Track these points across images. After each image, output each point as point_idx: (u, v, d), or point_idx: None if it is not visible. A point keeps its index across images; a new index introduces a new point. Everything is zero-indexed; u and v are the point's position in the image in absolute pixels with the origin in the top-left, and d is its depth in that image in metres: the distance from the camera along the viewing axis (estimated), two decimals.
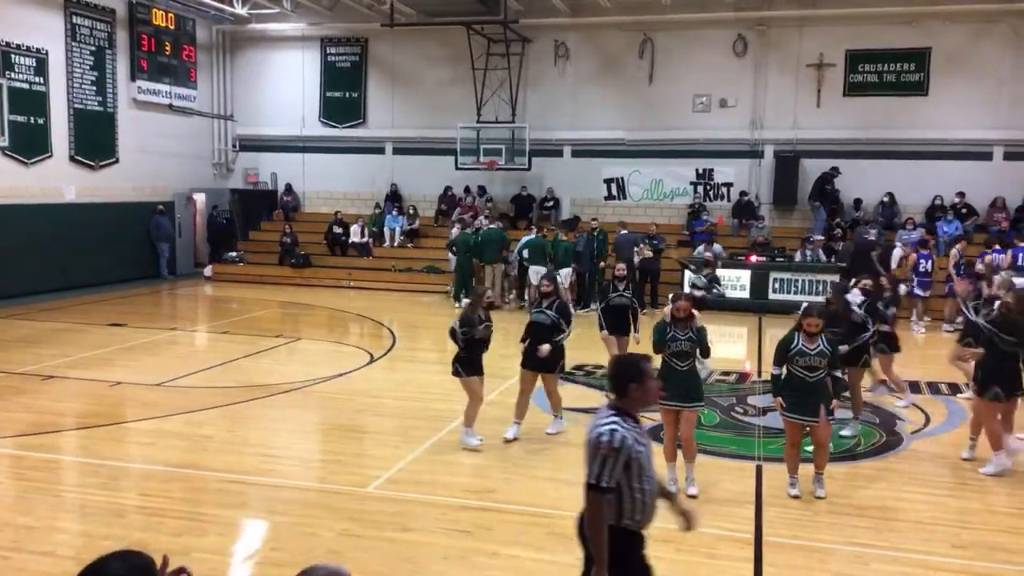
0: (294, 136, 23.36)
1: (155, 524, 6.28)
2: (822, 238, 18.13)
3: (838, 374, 6.96)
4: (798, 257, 17.63)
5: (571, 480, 7.34)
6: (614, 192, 21.60)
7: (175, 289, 20.03)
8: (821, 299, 11.46)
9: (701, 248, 18.06)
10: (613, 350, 9.93)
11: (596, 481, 3.81)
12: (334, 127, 23.18)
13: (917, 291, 15.52)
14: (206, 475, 7.34)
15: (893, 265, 16.47)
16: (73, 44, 18.75)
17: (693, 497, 6.93)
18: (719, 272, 17.18)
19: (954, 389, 10.71)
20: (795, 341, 6.87)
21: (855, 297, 9.31)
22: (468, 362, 8.07)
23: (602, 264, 17.17)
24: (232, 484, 7.15)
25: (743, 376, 11.50)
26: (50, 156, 18.37)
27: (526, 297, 17.27)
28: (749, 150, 20.54)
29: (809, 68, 19.89)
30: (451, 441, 8.43)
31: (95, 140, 19.49)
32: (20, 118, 17.55)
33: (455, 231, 18.87)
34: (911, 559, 5.98)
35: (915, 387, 10.57)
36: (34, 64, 17.81)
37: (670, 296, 7.55)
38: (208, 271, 21.56)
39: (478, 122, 20.94)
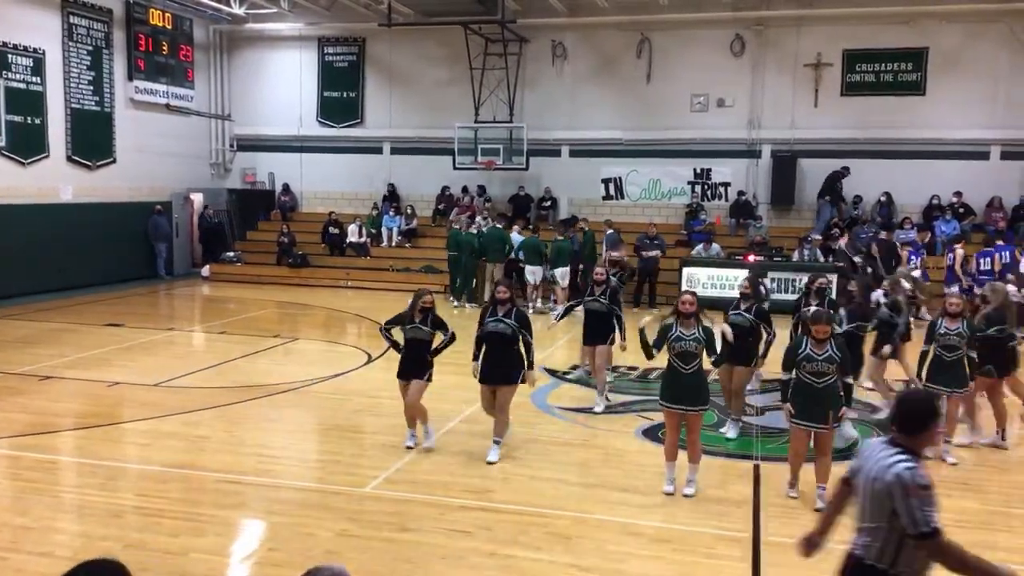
0: (291, 136, 23.35)
1: (153, 524, 6.27)
2: (819, 237, 18.15)
3: (849, 380, 6.85)
4: (796, 256, 17.63)
5: (568, 481, 7.36)
6: (612, 192, 21.61)
7: (172, 289, 20.01)
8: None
9: (700, 248, 18.07)
10: (586, 360, 9.70)
11: (931, 526, 3.33)
12: (332, 127, 23.17)
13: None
14: (204, 475, 7.33)
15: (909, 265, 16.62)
16: (70, 44, 18.73)
17: (688, 497, 6.93)
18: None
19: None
20: (803, 346, 6.71)
21: (878, 295, 9.39)
22: (401, 363, 7.94)
23: (581, 266, 17.12)
24: (230, 484, 7.14)
25: None
26: (47, 156, 18.35)
27: (529, 298, 17.27)
28: (747, 150, 20.55)
29: (807, 68, 19.91)
30: (449, 441, 8.42)
31: (92, 140, 19.47)
32: (17, 118, 17.53)
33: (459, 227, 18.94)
34: None
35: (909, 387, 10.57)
36: (31, 64, 17.79)
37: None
38: (206, 271, 21.54)
39: (476, 122, 20.94)
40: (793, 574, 5.74)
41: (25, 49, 17.64)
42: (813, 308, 8.56)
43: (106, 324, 14.66)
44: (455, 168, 21.14)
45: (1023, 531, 6.52)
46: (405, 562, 5.76)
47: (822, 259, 17.51)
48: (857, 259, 16.31)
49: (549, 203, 21.40)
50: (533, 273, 17.05)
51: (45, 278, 17.91)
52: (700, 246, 18.10)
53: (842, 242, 17.18)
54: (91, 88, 19.38)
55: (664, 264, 17.92)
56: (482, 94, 21.02)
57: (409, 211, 21.89)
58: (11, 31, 17.32)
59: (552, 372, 11.41)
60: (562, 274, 16.68)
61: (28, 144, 17.85)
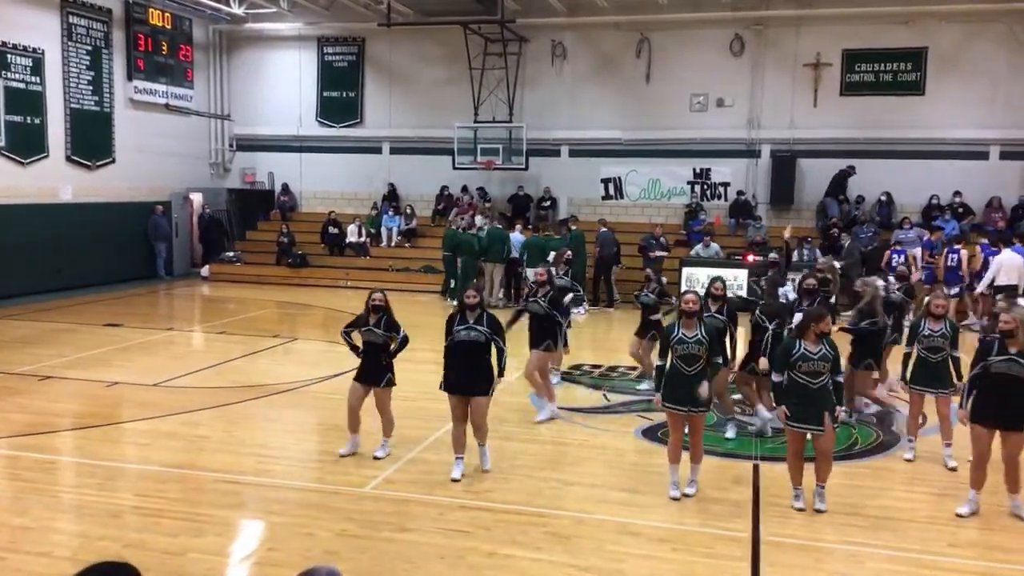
0: (291, 136, 23.35)
1: (152, 524, 6.27)
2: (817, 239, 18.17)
3: (840, 379, 6.77)
4: (795, 256, 17.62)
5: (568, 480, 7.36)
6: (611, 192, 21.60)
7: (172, 289, 20.00)
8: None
9: (699, 247, 18.08)
10: (530, 366, 9.20)
11: None
12: (331, 127, 23.17)
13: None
14: (203, 475, 7.33)
15: (919, 266, 16.67)
16: (69, 44, 18.73)
17: (689, 496, 6.93)
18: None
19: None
20: (796, 346, 6.62)
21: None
22: (359, 367, 7.73)
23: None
24: (229, 484, 7.14)
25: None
26: (47, 156, 18.34)
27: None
28: (746, 149, 20.56)
29: (806, 68, 19.91)
30: (447, 442, 8.41)
31: (92, 140, 19.46)
32: (16, 118, 17.53)
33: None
34: (908, 558, 5.98)
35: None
36: (30, 64, 17.78)
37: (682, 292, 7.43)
38: (205, 271, 21.53)
39: (475, 122, 20.94)
40: (792, 574, 5.75)
41: (24, 49, 17.64)
42: (805, 308, 8.58)
43: (105, 324, 14.66)
44: (455, 168, 21.14)
45: (1021, 531, 6.52)
46: (404, 562, 5.76)
47: (821, 258, 17.49)
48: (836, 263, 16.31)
49: (549, 203, 21.39)
50: (533, 273, 17.02)
51: (44, 278, 17.91)
52: (699, 246, 18.11)
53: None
54: (90, 88, 19.37)
55: (664, 264, 17.89)
56: (481, 94, 21.02)
57: (408, 211, 21.89)
58: (10, 31, 17.32)
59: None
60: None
61: (28, 144, 17.84)
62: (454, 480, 7.22)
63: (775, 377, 6.82)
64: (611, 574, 5.67)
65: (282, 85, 23.31)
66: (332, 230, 21.46)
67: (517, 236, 18.29)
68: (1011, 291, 14.66)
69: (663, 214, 21.10)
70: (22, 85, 17.63)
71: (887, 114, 19.44)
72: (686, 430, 7.01)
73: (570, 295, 11.29)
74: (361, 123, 23.00)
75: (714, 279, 8.89)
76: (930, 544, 6.22)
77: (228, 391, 10.20)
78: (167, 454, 7.85)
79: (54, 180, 18.54)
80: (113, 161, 20.12)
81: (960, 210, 18.69)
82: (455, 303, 17.20)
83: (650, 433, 8.77)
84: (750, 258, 17.58)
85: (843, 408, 6.94)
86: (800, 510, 6.73)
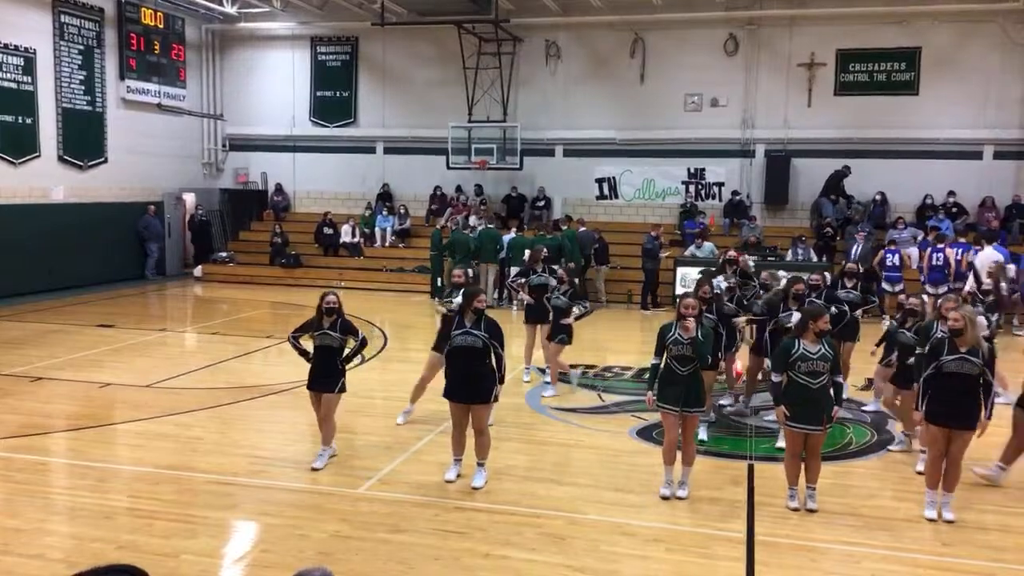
0: (284, 135, 23.30)
1: (145, 526, 6.24)
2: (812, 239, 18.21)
3: (839, 379, 6.72)
4: (789, 256, 17.65)
5: (562, 481, 7.35)
6: (606, 192, 21.61)
7: (164, 290, 19.94)
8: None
9: (693, 247, 18.09)
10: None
11: None
12: (325, 126, 23.13)
13: (884, 286, 15.80)
14: (196, 477, 7.30)
15: (913, 266, 16.74)
16: (61, 43, 18.65)
17: (681, 499, 6.92)
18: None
19: None
20: (796, 346, 6.59)
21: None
22: (310, 373, 7.55)
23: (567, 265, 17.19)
24: (222, 486, 7.11)
25: (735, 375, 11.50)
26: (38, 156, 18.26)
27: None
28: (740, 149, 20.58)
29: (800, 67, 19.94)
30: (443, 442, 8.39)
31: (84, 140, 19.38)
32: (8, 118, 17.44)
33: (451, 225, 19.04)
34: (902, 557, 5.99)
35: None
36: (22, 63, 17.70)
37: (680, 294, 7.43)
38: (198, 271, 21.47)
39: (469, 122, 20.93)
40: (786, 574, 5.75)
41: (16, 48, 17.55)
42: (794, 312, 8.57)
43: (98, 325, 14.60)
44: (449, 168, 21.12)
45: (1015, 530, 6.53)
46: (399, 563, 5.74)
47: (815, 259, 17.55)
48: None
49: (543, 203, 21.39)
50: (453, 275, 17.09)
51: (36, 279, 17.83)
52: (692, 245, 18.13)
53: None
54: (82, 88, 19.30)
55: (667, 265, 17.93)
56: (476, 94, 21.00)
57: (402, 211, 21.86)
58: (1, 30, 17.22)
59: (542, 370, 11.37)
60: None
61: (19, 144, 17.76)
62: (448, 481, 7.18)
63: (775, 377, 6.80)
64: (606, 574, 5.66)
65: (275, 85, 23.25)
66: (326, 230, 21.43)
67: (506, 236, 18.36)
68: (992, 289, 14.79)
69: (658, 214, 21.11)
70: (13, 85, 17.55)
71: (881, 114, 19.48)
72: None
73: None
74: (355, 123, 22.96)
75: (700, 282, 8.86)
76: (925, 544, 6.23)
77: (221, 392, 10.16)
78: (160, 455, 7.82)
79: (46, 180, 18.46)
80: (105, 161, 20.04)
81: (954, 210, 18.74)
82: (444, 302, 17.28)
83: (644, 433, 8.76)
84: (741, 257, 17.59)
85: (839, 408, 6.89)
86: (795, 510, 6.73)
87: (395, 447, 8.16)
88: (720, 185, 20.82)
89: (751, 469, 7.74)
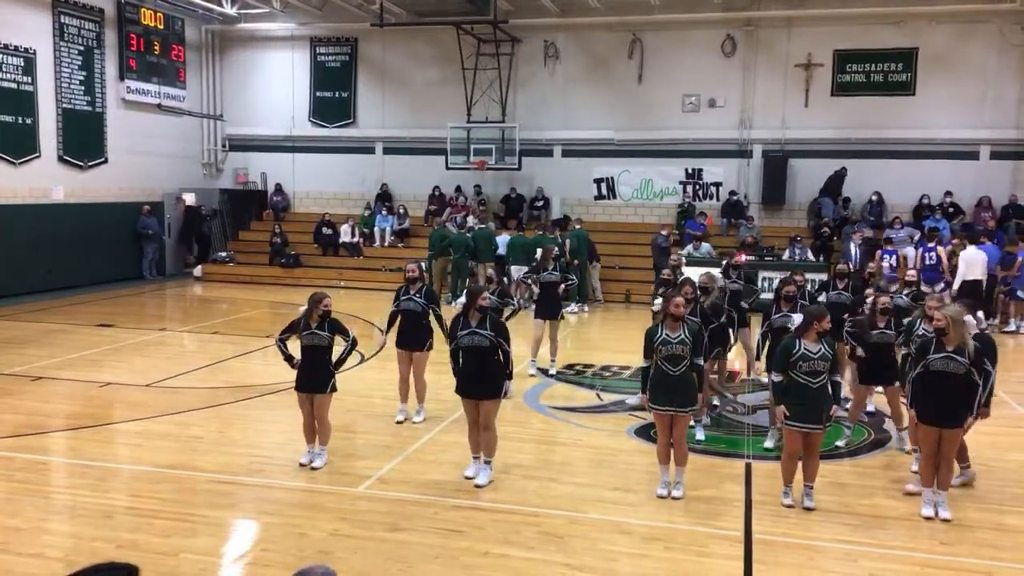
0: (284, 136, 23.32)
1: (144, 525, 6.27)
2: (810, 238, 18.24)
3: (837, 378, 6.76)
4: (787, 256, 17.69)
5: (561, 479, 7.38)
6: (604, 192, 21.64)
7: (164, 290, 19.95)
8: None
9: (690, 247, 18.12)
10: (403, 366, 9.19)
11: None
12: (324, 127, 23.15)
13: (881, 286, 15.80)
14: (196, 476, 7.33)
15: (909, 265, 16.77)
16: (61, 44, 18.66)
17: (677, 499, 6.95)
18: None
19: None
20: (796, 346, 6.63)
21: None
22: (299, 374, 7.48)
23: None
24: (222, 485, 7.14)
25: (732, 375, 11.54)
26: (38, 156, 18.27)
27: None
28: (738, 150, 20.62)
29: (797, 68, 19.98)
30: (442, 441, 8.44)
31: (84, 140, 19.40)
32: (8, 118, 17.46)
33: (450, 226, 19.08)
34: (899, 556, 6.02)
35: None
36: (22, 64, 17.71)
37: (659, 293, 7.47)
38: (198, 271, 21.49)
39: (468, 122, 20.96)
40: (784, 573, 5.78)
41: (16, 49, 17.56)
42: (785, 314, 8.61)
43: (97, 324, 14.62)
44: (448, 168, 21.15)
45: (1012, 529, 6.57)
46: (398, 562, 5.77)
47: (812, 259, 17.59)
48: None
49: (542, 203, 21.42)
50: (519, 271, 17.17)
51: (36, 278, 17.85)
52: (690, 245, 18.16)
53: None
54: (82, 88, 19.31)
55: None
56: (474, 94, 21.02)
57: (402, 211, 21.88)
58: (1, 31, 17.23)
59: (543, 371, 11.42)
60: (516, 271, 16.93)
61: (19, 144, 17.77)
62: (467, 478, 7.23)
63: (775, 377, 6.84)
64: (604, 573, 5.69)
65: (275, 85, 23.28)
66: (325, 230, 21.45)
67: (502, 236, 18.45)
68: (977, 286, 14.86)
69: (656, 214, 21.15)
70: (14, 85, 17.56)
71: (878, 114, 19.53)
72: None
73: (561, 286, 11.63)
74: (354, 123, 22.98)
75: (683, 282, 8.89)
76: (921, 542, 6.26)
77: (221, 391, 10.19)
78: (160, 455, 7.84)
79: (46, 180, 18.47)
80: (105, 161, 20.06)
81: (950, 210, 18.78)
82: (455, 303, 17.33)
83: (643, 432, 8.79)
84: (742, 258, 17.62)
85: (837, 407, 6.92)
86: (789, 507, 6.77)
87: (394, 446, 8.19)
88: (718, 185, 20.86)
89: (748, 468, 7.77)
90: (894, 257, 16.33)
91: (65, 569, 5.52)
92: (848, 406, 8.62)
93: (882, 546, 6.16)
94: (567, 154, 21.73)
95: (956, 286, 15.27)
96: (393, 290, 9.09)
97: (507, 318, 9.59)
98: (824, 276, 16.38)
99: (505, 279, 17.27)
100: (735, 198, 20.30)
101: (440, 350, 9.46)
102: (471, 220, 19.58)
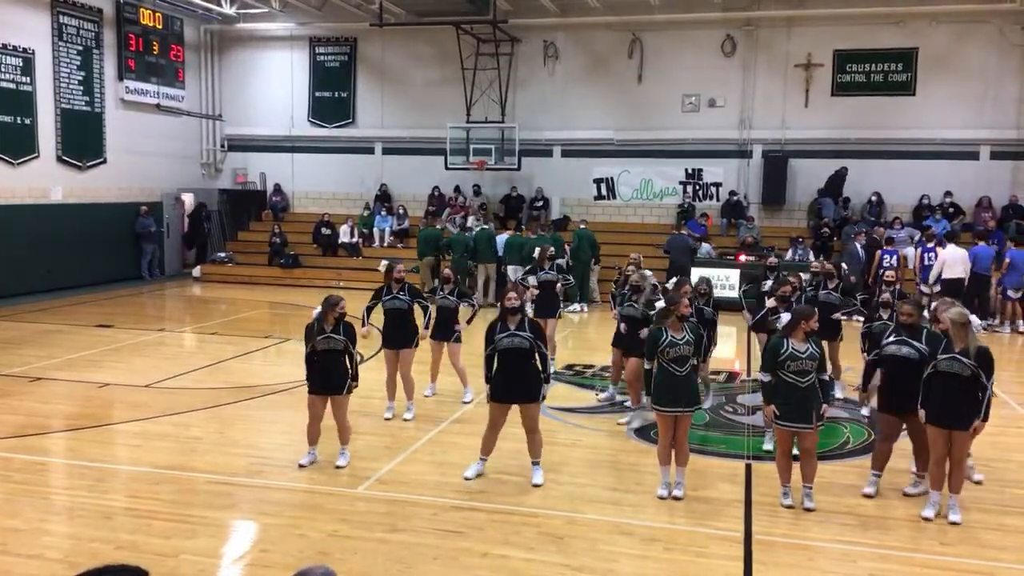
0: (283, 136, 23.31)
1: (144, 526, 6.25)
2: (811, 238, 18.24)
3: (825, 377, 6.80)
4: (789, 256, 17.68)
5: (561, 481, 7.37)
6: (604, 192, 21.64)
7: (163, 290, 19.94)
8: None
9: (708, 247, 18.13)
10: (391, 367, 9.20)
11: None
12: (323, 127, 23.14)
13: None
14: (195, 477, 7.32)
15: (910, 265, 16.82)
16: (60, 44, 18.65)
17: (678, 499, 6.94)
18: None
19: None
20: (784, 346, 6.67)
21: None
22: (316, 377, 7.44)
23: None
24: (221, 486, 7.13)
25: (732, 375, 11.55)
26: (37, 156, 18.27)
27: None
28: (738, 150, 20.62)
29: (797, 68, 19.98)
30: (441, 441, 8.44)
31: (82, 140, 19.39)
32: (6, 118, 17.45)
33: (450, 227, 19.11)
34: (899, 556, 6.01)
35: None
36: (20, 64, 17.70)
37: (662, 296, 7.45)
38: (196, 271, 21.48)
39: (468, 122, 20.95)
40: (784, 574, 5.77)
41: (15, 49, 17.55)
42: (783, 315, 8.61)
43: (96, 325, 14.61)
44: (447, 168, 21.14)
45: (1013, 529, 6.56)
46: (397, 562, 5.76)
47: (813, 259, 17.55)
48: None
49: (541, 203, 21.41)
50: (515, 271, 17.17)
51: (35, 279, 17.84)
52: (707, 245, 18.15)
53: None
54: (81, 88, 19.30)
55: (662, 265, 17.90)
56: (474, 94, 21.02)
57: (401, 211, 21.87)
58: (0, 31, 17.23)
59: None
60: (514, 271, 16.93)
61: (18, 144, 17.76)
62: (466, 479, 7.25)
63: (764, 377, 6.86)
64: (604, 574, 5.68)
65: (274, 85, 23.27)
66: (324, 231, 21.44)
67: (501, 236, 18.46)
68: (957, 284, 14.95)
69: (655, 214, 21.16)
70: (12, 85, 17.55)
71: (878, 114, 19.53)
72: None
73: (558, 285, 11.63)
74: (353, 123, 22.97)
75: (679, 283, 8.96)
76: (921, 543, 6.25)
77: (220, 392, 10.18)
78: (159, 455, 7.83)
79: (44, 180, 18.47)
80: (104, 161, 20.05)
81: (951, 210, 18.78)
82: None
83: (642, 433, 8.78)
84: (742, 258, 17.65)
85: (827, 405, 6.93)
86: (789, 507, 6.77)
87: (394, 447, 8.18)
88: (718, 185, 20.85)
89: (748, 468, 7.76)
90: (895, 257, 16.32)
91: (65, 570, 5.52)
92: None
93: (882, 547, 6.15)
94: (567, 154, 21.72)
95: (931, 282, 15.36)
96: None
97: (469, 320, 9.53)
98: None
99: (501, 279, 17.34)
100: (735, 198, 20.30)
101: (425, 348, 9.57)
102: (471, 220, 19.56)
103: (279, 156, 23.54)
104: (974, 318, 6.62)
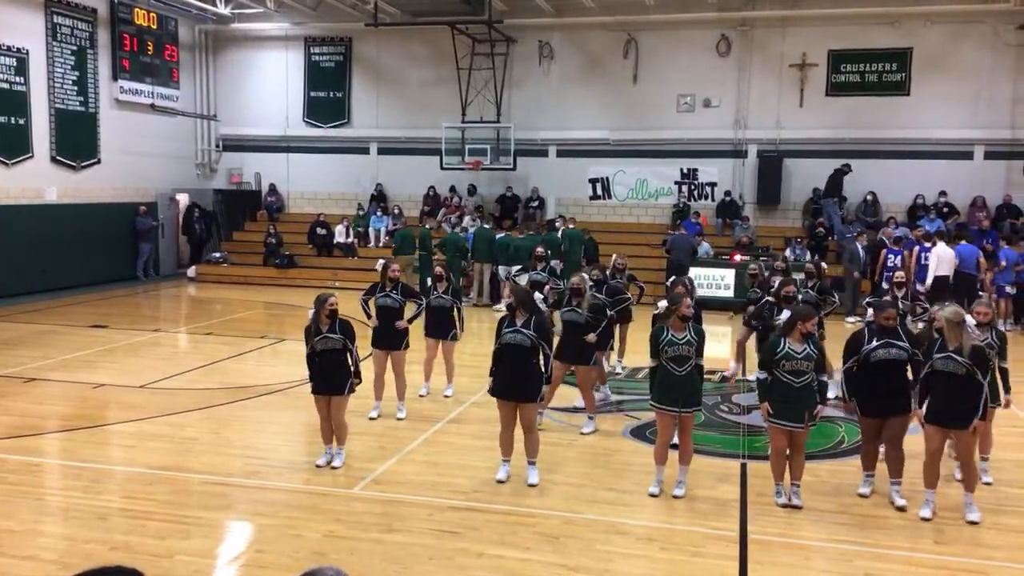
0: (278, 136, 23.28)
1: (138, 527, 6.24)
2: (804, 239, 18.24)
3: (824, 378, 6.82)
4: (788, 255, 17.66)
5: (557, 480, 7.36)
6: (599, 192, 21.65)
7: (158, 290, 19.90)
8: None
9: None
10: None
11: None
12: (318, 127, 23.11)
13: (885, 286, 15.81)
14: (190, 477, 7.30)
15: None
16: (54, 44, 18.60)
17: (677, 498, 6.95)
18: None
19: None
20: (781, 345, 6.70)
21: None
22: (318, 377, 7.44)
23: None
24: (216, 486, 7.11)
25: (726, 377, 11.54)
26: (31, 157, 18.21)
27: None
28: (733, 150, 20.64)
29: (792, 68, 20.00)
30: (437, 441, 8.43)
31: (77, 140, 19.33)
32: (0, 118, 17.39)
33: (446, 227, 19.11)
34: (895, 556, 6.02)
35: None
36: (15, 64, 17.64)
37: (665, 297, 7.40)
38: (192, 272, 21.44)
39: (463, 122, 20.94)
40: (779, 573, 5.77)
41: (8, 49, 17.50)
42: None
43: (91, 326, 14.57)
44: (443, 168, 21.13)
45: (1008, 528, 6.57)
46: (393, 563, 5.75)
47: (810, 259, 17.55)
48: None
49: (537, 203, 21.41)
50: (505, 271, 17.18)
51: (29, 279, 17.78)
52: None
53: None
54: (75, 88, 19.24)
55: (658, 264, 17.93)
56: (469, 94, 21.01)
57: (396, 211, 21.85)
58: None
59: None
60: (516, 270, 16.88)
61: (11, 145, 17.71)
62: (499, 481, 7.20)
63: (759, 375, 6.90)
64: (600, 573, 5.68)
65: (269, 85, 23.23)
66: (319, 231, 21.42)
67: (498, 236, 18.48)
68: (944, 281, 15.10)
69: (651, 214, 21.18)
70: (6, 85, 17.50)
71: (873, 114, 19.55)
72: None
73: (547, 287, 11.61)
74: (348, 123, 22.95)
75: (674, 283, 8.94)
76: (918, 542, 6.26)
77: (215, 392, 10.16)
78: (154, 456, 7.81)
79: (38, 181, 18.41)
80: (98, 162, 19.99)
81: (945, 210, 18.82)
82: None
83: (639, 432, 8.79)
84: (737, 258, 17.66)
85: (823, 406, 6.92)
86: (783, 505, 6.80)
87: (389, 447, 8.17)
88: (713, 185, 20.88)
89: (744, 468, 7.77)
90: (899, 257, 16.22)
91: (59, 571, 5.50)
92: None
93: (878, 546, 6.16)
94: (562, 154, 21.72)
95: (929, 282, 15.40)
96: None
97: (411, 319, 9.37)
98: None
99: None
100: (730, 198, 20.31)
101: (416, 348, 9.58)
102: (466, 220, 19.55)
103: (274, 156, 23.50)
104: (969, 318, 6.64)
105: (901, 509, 6.75)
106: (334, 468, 7.50)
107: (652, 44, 20.72)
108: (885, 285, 16.05)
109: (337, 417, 7.53)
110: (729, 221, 20.02)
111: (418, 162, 22.01)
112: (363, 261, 20.96)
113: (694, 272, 16.69)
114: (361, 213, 22.04)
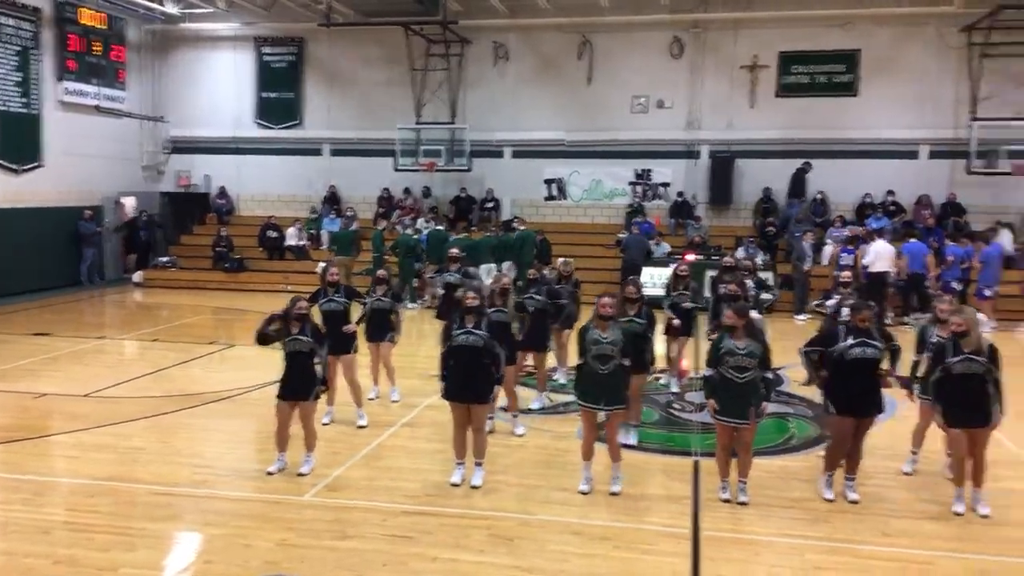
0: (228, 137, 22.91)
1: (82, 540, 6.07)
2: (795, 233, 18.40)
3: (769, 375, 6.92)
4: (740, 254, 17.84)
5: (510, 482, 7.34)
6: (554, 192, 21.69)
7: (103, 296, 19.45)
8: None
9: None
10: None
11: None
12: (270, 128, 22.80)
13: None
14: (135, 488, 7.12)
15: (823, 262, 17.07)
16: None
17: (615, 495, 6.98)
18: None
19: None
20: (724, 341, 6.81)
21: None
22: (286, 381, 7.38)
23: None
24: (163, 496, 6.95)
25: (680, 373, 11.61)
26: None
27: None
28: (686, 150, 20.83)
29: (743, 70, 20.25)
30: (390, 446, 8.35)
31: (18, 143, 18.77)
32: None
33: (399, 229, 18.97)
34: (844, 548, 6.11)
35: None
36: None
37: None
38: (137, 277, 20.98)
39: (418, 123, 20.83)
40: (731, 569, 5.82)
41: None
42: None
43: (33, 333, 14.17)
44: (397, 170, 20.99)
45: (955, 520, 6.70)
46: (346, 570, 5.67)
47: (762, 258, 17.79)
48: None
49: (492, 204, 21.38)
50: (488, 271, 17.10)
51: None
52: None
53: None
54: (18, 90, 18.70)
55: (613, 264, 18.01)
56: (423, 95, 20.91)
57: (349, 213, 21.61)
58: None
59: None
60: (506, 267, 16.73)
61: None
62: (453, 485, 7.13)
63: (705, 371, 7.00)
64: (554, 574, 5.67)
65: (219, 86, 22.86)
66: (270, 233, 21.11)
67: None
68: (883, 277, 15.45)
69: (605, 214, 21.27)
70: None
71: (822, 115, 19.86)
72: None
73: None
74: (300, 124, 22.68)
75: (628, 281, 8.87)
76: (865, 535, 6.35)
77: (162, 400, 9.94)
78: (98, 467, 7.60)
79: None
80: (41, 165, 19.44)
81: (892, 208, 19.21)
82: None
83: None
84: (690, 257, 17.79)
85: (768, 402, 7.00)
86: (726, 501, 6.87)
87: (342, 452, 8.07)
88: (666, 185, 21.04)
89: (696, 465, 7.82)
90: (852, 256, 16.42)
91: None
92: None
93: (827, 539, 6.25)
94: (517, 155, 21.72)
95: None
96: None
97: (359, 320, 9.29)
98: (770, 274, 16.70)
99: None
100: (682, 199, 20.49)
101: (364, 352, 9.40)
102: (420, 222, 19.45)
103: (224, 158, 23.11)
104: (982, 316, 6.80)
105: (854, 502, 6.86)
106: (301, 475, 7.35)
107: (606, 45, 20.83)
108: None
109: (307, 423, 7.42)
110: (682, 221, 20.20)
111: (372, 164, 21.83)
112: (315, 264, 20.71)
113: (648, 272, 16.84)
114: (314, 216, 21.78)
